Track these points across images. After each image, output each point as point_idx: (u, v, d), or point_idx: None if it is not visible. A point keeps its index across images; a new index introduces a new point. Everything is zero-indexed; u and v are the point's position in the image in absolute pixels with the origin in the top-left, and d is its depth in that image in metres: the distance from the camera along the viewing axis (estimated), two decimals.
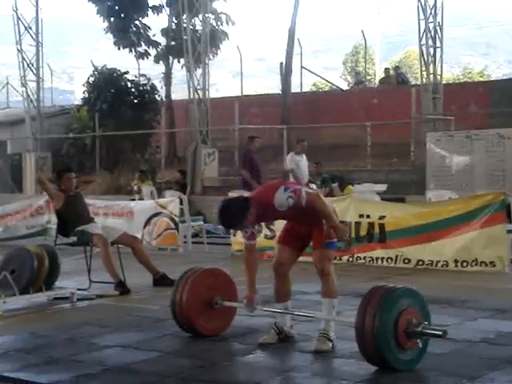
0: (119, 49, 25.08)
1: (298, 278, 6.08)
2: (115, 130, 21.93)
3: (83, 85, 24.36)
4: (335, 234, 5.48)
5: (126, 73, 24.09)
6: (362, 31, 25.24)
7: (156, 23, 25.53)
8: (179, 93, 24.95)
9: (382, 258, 9.99)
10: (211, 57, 22.76)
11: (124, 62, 26.24)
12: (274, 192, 5.31)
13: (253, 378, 4.82)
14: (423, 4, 17.43)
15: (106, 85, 23.19)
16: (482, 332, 5.89)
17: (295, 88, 24.94)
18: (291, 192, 5.30)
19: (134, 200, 15.32)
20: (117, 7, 24.22)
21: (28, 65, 22.80)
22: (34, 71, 22.81)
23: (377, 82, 26.86)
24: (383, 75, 25.58)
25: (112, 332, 6.20)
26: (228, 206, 5.40)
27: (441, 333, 4.92)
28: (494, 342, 5.63)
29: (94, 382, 4.71)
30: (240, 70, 26.41)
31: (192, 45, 19.95)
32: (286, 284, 5.72)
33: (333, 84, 28.54)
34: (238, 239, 11.15)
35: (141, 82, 24.22)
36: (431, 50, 17.70)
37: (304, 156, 14.67)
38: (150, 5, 24.74)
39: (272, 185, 5.55)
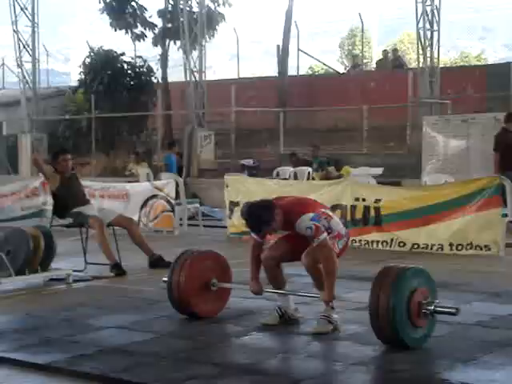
0: (115, 30, 24.94)
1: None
2: (111, 112, 21.86)
3: (79, 66, 24.26)
4: (323, 294, 5.38)
5: (123, 54, 23.98)
6: (359, 14, 25.14)
7: (152, 4, 25.38)
8: (176, 75, 24.86)
9: (378, 242, 10.00)
10: (208, 39, 22.65)
11: (120, 43, 26.12)
12: (302, 214, 5.32)
13: (248, 359, 4.84)
14: None
15: (102, 66, 23.09)
16: (476, 315, 5.92)
17: (292, 71, 24.88)
18: (314, 225, 5.27)
19: (130, 182, 15.29)
20: None
21: (24, 46, 22.65)
22: (30, 52, 22.68)
23: (374, 65, 26.81)
24: (380, 58, 25.51)
25: (108, 313, 6.21)
26: (254, 207, 5.44)
27: (454, 310, 4.99)
28: (488, 325, 5.66)
29: (90, 363, 4.73)
30: (237, 53, 26.31)
31: (188, 26, 19.87)
32: (278, 274, 5.68)
33: (329, 67, 28.46)
34: (233, 222, 11.18)
35: (137, 64, 24.12)
36: (428, 33, 17.67)
37: None
38: None
39: (306, 206, 5.49)
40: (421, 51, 17.78)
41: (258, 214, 5.37)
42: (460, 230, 9.52)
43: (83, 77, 23.72)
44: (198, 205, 13.32)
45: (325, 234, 5.31)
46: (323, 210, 5.60)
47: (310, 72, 31.72)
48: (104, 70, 22.98)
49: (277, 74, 24.40)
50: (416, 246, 9.72)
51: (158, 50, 25.04)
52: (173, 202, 11.91)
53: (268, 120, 21.25)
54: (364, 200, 10.17)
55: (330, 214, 5.62)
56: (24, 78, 22.78)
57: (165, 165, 16.73)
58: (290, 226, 5.41)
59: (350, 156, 17.43)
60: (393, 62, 23.51)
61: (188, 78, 19.94)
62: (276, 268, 5.65)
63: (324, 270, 5.34)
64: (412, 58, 27.06)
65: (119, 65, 23.52)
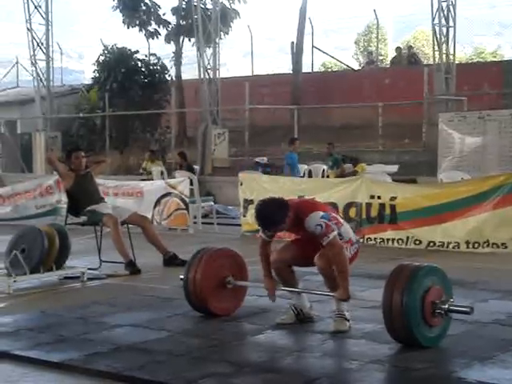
0: (129, 28, 25.00)
1: None
2: (125, 110, 21.92)
3: (93, 64, 24.34)
4: (338, 292, 5.30)
5: (136, 52, 24.03)
6: (374, 10, 25.05)
7: (166, 2, 25.42)
8: (189, 72, 24.89)
9: (393, 239, 9.95)
10: (222, 36, 22.68)
11: (134, 41, 26.17)
12: (312, 212, 5.26)
13: (263, 357, 4.82)
14: None
15: (116, 64, 23.15)
16: (493, 313, 5.87)
17: (306, 68, 24.85)
18: (324, 223, 5.20)
19: (144, 180, 15.31)
20: None
21: (38, 44, 22.76)
22: (44, 50, 22.79)
23: (389, 62, 26.70)
24: (394, 55, 25.42)
25: (122, 311, 6.21)
26: (267, 204, 5.36)
27: (468, 309, 4.95)
28: (505, 323, 5.61)
29: (105, 361, 4.72)
30: (251, 50, 26.31)
31: (202, 24, 19.87)
32: (289, 276, 5.62)
33: (343, 63, 28.37)
34: (247, 220, 11.16)
35: (151, 62, 24.16)
36: (444, 29, 17.59)
37: None
38: None
39: (316, 205, 5.46)
40: (436, 47, 17.70)
41: (271, 212, 5.31)
42: (476, 228, 9.44)
43: (97, 75, 23.80)
44: (212, 203, 13.31)
45: (335, 232, 5.24)
46: (334, 214, 5.55)
47: (323, 69, 31.65)
48: (118, 68, 23.03)
49: (291, 71, 24.36)
50: (432, 244, 9.66)
51: (172, 47, 25.09)
52: (187, 200, 11.90)
53: (282, 117, 21.24)
54: (379, 197, 10.12)
55: (341, 220, 5.56)
56: (38, 76, 22.88)
57: (287, 165, 15.11)
58: (300, 224, 5.32)
59: (364, 153, 17.39)
60: (408, 59, 23.42)
61: (202, 76, 19.95)
62: (286, 270, 5.59)
63: (336, 269, 5.27)
64: (429, 54, 26.90)
65: (133, 62, 23.57)
